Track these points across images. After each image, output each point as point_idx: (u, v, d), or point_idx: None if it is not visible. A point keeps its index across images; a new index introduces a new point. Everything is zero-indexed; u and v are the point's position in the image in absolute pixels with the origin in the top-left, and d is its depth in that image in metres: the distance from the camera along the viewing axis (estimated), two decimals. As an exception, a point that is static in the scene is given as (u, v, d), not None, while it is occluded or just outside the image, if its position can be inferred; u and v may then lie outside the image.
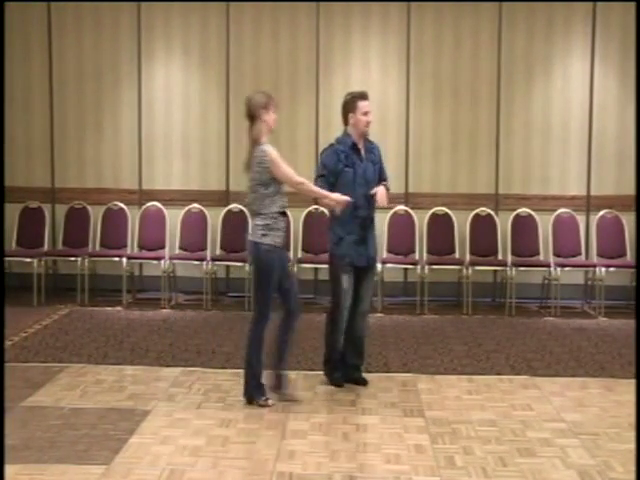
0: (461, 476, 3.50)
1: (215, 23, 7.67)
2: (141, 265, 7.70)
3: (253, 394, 4.39)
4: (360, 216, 4.64)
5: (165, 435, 3.95)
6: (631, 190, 7.46)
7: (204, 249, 7.39)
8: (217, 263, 7.37)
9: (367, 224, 4.68)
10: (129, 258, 7.27)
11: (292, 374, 5.02)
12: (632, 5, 7.31)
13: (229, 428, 4.06)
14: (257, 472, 3.53)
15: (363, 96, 4.66)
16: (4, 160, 7.42)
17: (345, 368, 4.79)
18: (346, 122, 4.70)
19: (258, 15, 7.63)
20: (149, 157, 7.81)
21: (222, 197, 7.73)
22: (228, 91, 7.72)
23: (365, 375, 4.91)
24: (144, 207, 7.62)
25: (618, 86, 7.51)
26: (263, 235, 4.35)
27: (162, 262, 7.24)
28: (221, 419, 4.19)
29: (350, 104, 4.65)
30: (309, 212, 7.48)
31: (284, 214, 4.44)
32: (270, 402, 4.38)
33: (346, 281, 4.63)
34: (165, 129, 7.78)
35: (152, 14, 7.69)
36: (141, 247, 7.51)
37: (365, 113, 4.61)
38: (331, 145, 4.75)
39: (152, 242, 7.48)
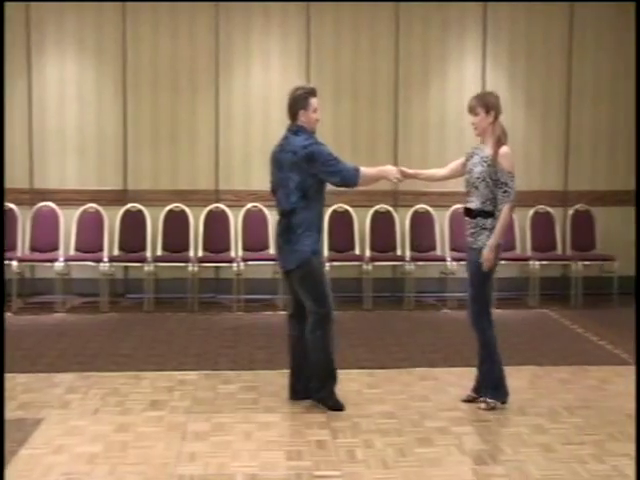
0: (362, 469, 3.55)
1: (111, 19, 7.44)
2: (33, 268, 7.39)
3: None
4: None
5: (59, 444, 3.80)
6: (520, 186, 7.75)
7: (101, 250, 7.17)
8: (115, 264, 7.17)
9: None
10: (20, 261, 6.96)
11: (194, 374, 4.97)
12: (520, 10, 7.65)
13: (127, 433, 3.96)
14: (157, 476, 3.46)
15: (314, 93, 4.34)
16: (4, 160, 7.08)
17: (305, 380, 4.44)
18: (293, 118, 4.34)
19: (156, 12, 7.47)
20: (41, 155, 7.50)
21: (120, 196, 7.53)
22: (125, 88, 7.52)
23: (268, 372, 4.90)
24: (36, 207, 7.31)
25: (507, 87, 7.82)
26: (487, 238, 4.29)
27: (56, 264, 6.98)
28: (119, 424, 4.08)
29: (302, 100, 4.30)
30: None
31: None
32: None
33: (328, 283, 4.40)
34: (58, 126, 7.49)
35: (43, 8, 7.37)
36: (33, 249, 7.20)
37: (315, 110, 4.34)
38: (309, 137, 4.32)
39: (45, 244, 7.19)
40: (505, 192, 4.25)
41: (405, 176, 4.45)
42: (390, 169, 4.52)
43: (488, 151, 4.33)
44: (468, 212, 4.40)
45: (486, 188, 4.28)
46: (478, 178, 4.30)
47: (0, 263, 6.72)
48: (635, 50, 7.02)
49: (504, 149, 4.31)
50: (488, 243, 4.24)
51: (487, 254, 4.23)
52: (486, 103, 4.35)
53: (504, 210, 4.26)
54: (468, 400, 4.44)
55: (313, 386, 4.39)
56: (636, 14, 6.98)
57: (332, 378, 4.38)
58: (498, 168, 4.26)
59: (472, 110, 4.37)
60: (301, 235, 4.30)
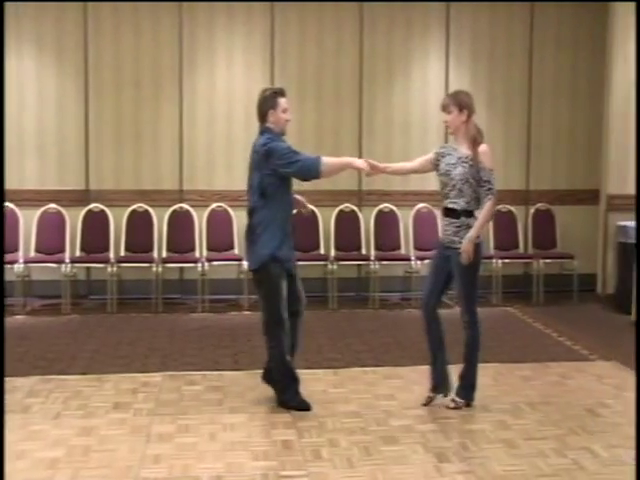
0: (327, 468, 3.56)
1: (71, 16, 7.34)
2: (-8, 269, 7.24)
3: None
4: (291, 216, 4.43)
5: (20, 449, 3.73)
6: (498, 186, 7.87)
7: (63, 251, 7.06)
8: (77, 265, 7.07)
9: (293, 224, 4.45)
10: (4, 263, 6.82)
11: (158, 376, 4.93)
12: (482, 10, 7.74)
13: (90, 436, 3.91)
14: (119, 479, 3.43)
15: (283, 93, 4.33)
16: (4, 160, 6.94)
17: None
18: (263, 119, 4.32)
19: (118, 11, 7.38)
20: (-1, 155, 7.35)
21: (82, 197, 7.42)
22: (87, 86, 7.41)
23: (233, 373, 4.88)
24: (-5, 208, 7.17)
25: (470, 87, 7.86)
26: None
27: (16, 266, 6.85)
28: (81, 427, 4.02)
29: (270, 100, 4.30)
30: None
31: None
32: None
33: (285, 289, 4.32)
34: (17, 125, 7.35)
35: (-1, 3, 7.24)
36: (-8, 250, 7.06)
37: (285, 110, 4.32)
38: (271, 137, 4.28)
39: (4, 245, 7.04)
40: (489, 189, 4.29)
41: (373, 169, 4.40)
42: (356, 159, 4.49)
43: (465, 151, 4.34)
44: (450, 212, 4.36)
45: (469, 188, 4.30)
46: (461, 180, 4.29)
47: (0, 263, 6.57)
48: (635, 50, 7.09)
49: (483, 147, 4.34)
50: (467, 236, 4.26)
51: (466, 246, 4.24)
52: (459, 101, 4.36)
53: (487, 205, 4.29)
54: (428, 403, 4.42)
55: (275, 389, 4.42)
56: (636, 14, 7.07)
57: (293, 380, 4.38)
58: (480, 167, 4.28)
59: (445, 108, 4.39)
60: (260, 235, 4.29)
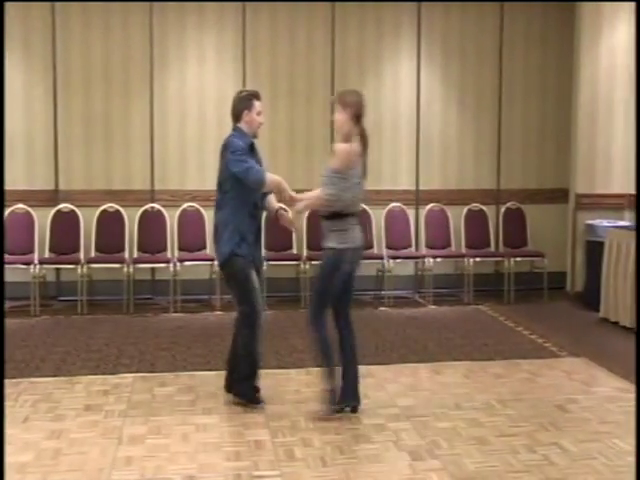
0: (301, 468, 3.56)
1: (39, 15, 7.23)
2: (-41, 271, 7.12)
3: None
4: (257, 216, 4.43)
5: (-12, 453, 3.67)
6: (454, 184, 7.97)
7: (31, 252, 6.97)
8: (46, 266, 6.97)
9: (259, 224, 4.47)
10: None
11: (129, 377, 4.88)
12: (453, 9, 7.79)
13: (60, 439, 3.86)
14: (91, 483, 3.39)
15: (257, 95, 4.40)
16: (4, 161, 6.83)
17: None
18: (237, 120, 4.37)
19: (87, 9, 7.30)
20: (-34, 154, 7.23)
21: (50, 197, 7.33)
22: (55, 85, 7.32)
23: (206, 374, 4.85)
24: (-39, 208, 7.05)
25: (441, 86, 7.97)
26: None
27: (-17, 267, 6.74)
28: (51, 431, 3.97)
29: (245, 101, 4.35)
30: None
31: None
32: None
33: (255, 280, 4.33)
34: (-16, 124, 7.24)
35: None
36: (-41, 251, 6.94)
37: (259, 113, 4.36)
38: (236, 133, 4.35)
39: (-29, 246, 6.93)
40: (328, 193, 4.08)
41: (291, 199, 4.33)
42: (285, 187, 4.33)
43: None
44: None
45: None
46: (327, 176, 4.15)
47: (0, 263, 6.45)
48: (635, 50, 7.16)
49: (340, 146, 4.12)
50: (301, 204, 4.25)
51: (301, 203, 4.24)
52: (343, 100, 4.18)
53: (317, 193, 4.16)
54: (341, 410, 4.22)
55: (234, 377, 4.43)
56: (636, 14, 7.14)
57: (255, 374, 4.40)
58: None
59: (332, 106, 4.36)
60: (222, 233, 4.33)
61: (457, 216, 7.76)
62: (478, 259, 7.54)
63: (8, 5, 7.14)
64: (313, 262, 7.26)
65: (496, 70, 7.99)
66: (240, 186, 4.28)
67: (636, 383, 4.71)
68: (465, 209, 7.82)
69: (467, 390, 4.71)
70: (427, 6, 7.81)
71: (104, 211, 7.24)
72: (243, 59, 7.58)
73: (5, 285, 7.01)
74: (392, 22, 7.80)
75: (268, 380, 4.83)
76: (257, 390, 4.44)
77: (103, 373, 4.99)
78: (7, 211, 7.07)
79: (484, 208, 7.88)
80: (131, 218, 7.25)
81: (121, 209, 7.26)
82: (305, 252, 7.38)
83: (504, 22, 7.96)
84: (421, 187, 7.95)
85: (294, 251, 7.39)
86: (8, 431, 3.95)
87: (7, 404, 4.36)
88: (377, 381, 4.88)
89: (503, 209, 7.94)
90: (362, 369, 5.12)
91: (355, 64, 7.78)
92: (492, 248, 7.82)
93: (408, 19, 7.81)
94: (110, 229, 7.19)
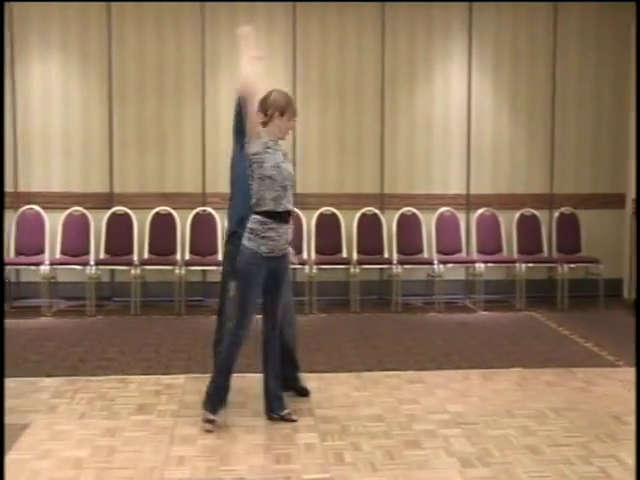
0: (350, 472, 3.55)
1: (95, 19, 7.42)
2: (18, 271, 7.33)
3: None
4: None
5: (45, 449, 3.77)
6: (506, 189, 7.87)
7: (87, 253, 7.14)
8: (101, 267, 7.13)
9: None
10: (5, 264, 6.90)
11: (181, 377, 4.96)
12: (505, 11, 7.70)
13: (114, 437, 3.94)
14: (144, 481, 3.45)
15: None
16: (4, 162, 7.04)
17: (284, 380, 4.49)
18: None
19: (141, 12, 7.46)
20: (26, 158, 7.45)
21: (106, 199, 7.49)
22: (111, 89, 7.49)
23: (256, 375, 4.89)
24: (21, 210, 7.27)
25: (492, 91, 7.87)
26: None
27: (42, 268, 6.93)
28: (106, 428, 4.05)
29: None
30: (197, 213, 7.35)
31: None
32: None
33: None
34: (43, 128, 7.45)
35: (26, 8, 7.34)
36: (18, 252, 7.16)
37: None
38: None
39: (30, 247, 7.14)
40: None
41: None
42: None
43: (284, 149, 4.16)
44: (287, 216, 4.05)
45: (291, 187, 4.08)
46: (292, 175, 4.09)
47: (0, 263, 6.64)
48: (635, 50, 7.03)
49: None
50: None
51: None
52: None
53: None
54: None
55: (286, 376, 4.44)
56: (636, 14, 6.99)
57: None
58: None
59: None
60: None
61: (509, 221, 7.66)
62: (530, 265, 7.42)
63: (68, 17, 7.35)
64: (363, 266, 7.27)
65: (549, 72, 7.85)
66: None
67: (636, 382, 4.61)
68: (517, 214, 7.71)
69: (519, 398, 4.63)
70: (478, 7, 7.72)
71: (157, 214, 7.37)
72: (293, 64, 7.63)
73: (62, 285, 7.22)
74: (442, 24, 7.74)
75: (318, 383, 4.86)
76: (305, 391, 4.47)
77: (155, 373, 5.07)
78: (65, 213, 7.26)
79: (536, 213, 7.75)
80: (183, 220, 7.36)
81: (173, 212, 7.38)
82: (355, 256, 7.37)
83: (557, 23, 7.82)
84: (472, 191, 7.87)
85: (344, 255, 7.39)
86: (65, 427, 4.06)
87: (63, 401, 4.48)
88: (427, 387, 4.84)
89: (557, 214, 7.80)
90: (411, 374, 5.12)
91: (405, 67, 7.75)
92: (545, 254, 7.69)
93: (459, 22, 7.75)
94: (162, 231, 7.31)
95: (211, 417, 4.07)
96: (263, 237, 4.01)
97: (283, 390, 4.39)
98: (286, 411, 4.20)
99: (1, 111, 7.19)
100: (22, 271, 7.32)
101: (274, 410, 4.20)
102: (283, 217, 4.04)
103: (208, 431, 4.01)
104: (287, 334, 4.54)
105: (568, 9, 7.79)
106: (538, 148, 7.91)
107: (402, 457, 3.72)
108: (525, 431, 4.07)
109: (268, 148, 4.04)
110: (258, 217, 4.02)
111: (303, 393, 4.60)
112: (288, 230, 4.09)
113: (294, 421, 4.15)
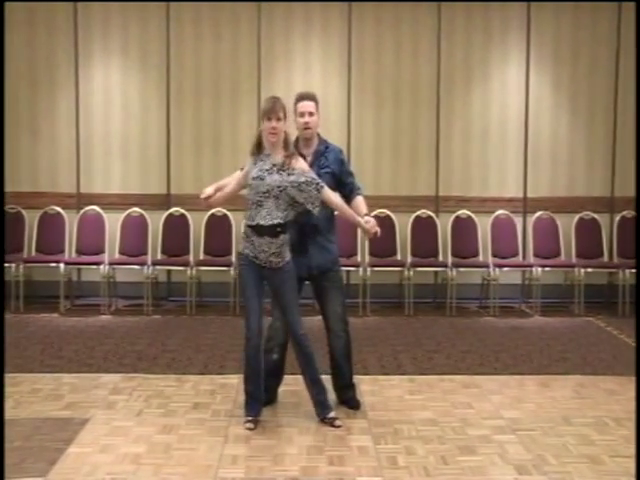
0: (403, 475, 3.53)
1: (155, 23, 7.58)
2: (79, 270, 7.53)
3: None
4: (299, 222, 4.24)
5: (104, 444, 3.86)
6: (564, 192, 7.70)
7: (145, 253, 7.28)
8: (158, 267, 7.26)
9: (307, 231, 4.31)
10: (67, 264, 7.10)
11: (235, 378, 5.00)
12: (565, 10, 7.54)
13: (170, 435, 4.00)
14: (199, 478, 3.49)
15: (301, 97, 4.38)
16: (4, 162, 7.25)
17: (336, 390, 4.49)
18: None
19: (198, 16, 7.58)
20: (87, 160, 7.65)
21: (163, 201, 7.63)
22: (168, 93, 7.63)
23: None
24: (82, 211, 7.46)
25: (551, 93, 7.72)
26: None
27: (101, 267, 7.10)
28: (162, 425, 4.13)
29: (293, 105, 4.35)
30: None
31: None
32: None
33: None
34: (104, 132, 7.64)
35: (89, 13, 7.54)
36: (79, 252, 7.35)
37: (301, 114, 4.30)
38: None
39: (91, 247, 7.33)
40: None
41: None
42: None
43: (280, 159, 4.07)
44: (263, 230, 4.02)
45: (287, 196, 4.04)
46: (279, 187, 4.02)
47: (0, 263, 6.78)
48: (635, 50, 6.84)
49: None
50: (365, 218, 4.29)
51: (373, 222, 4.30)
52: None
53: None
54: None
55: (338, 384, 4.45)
56: (636, 14, 6.82)
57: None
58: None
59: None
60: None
61: (567, 224, 7.49)
62: (590, 269, 7.25)
63: (128, 21, 7.52)
64: (417, 269, 7.22)
65: (612, 73, 7.66)
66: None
67: (636, 383, 4.50)
68: (576, 217, 7.54)
69: (577, 405, 4.53)
70: (537, 6, 7.59)
71: (212, 215, 7.47)
72: (348, 65, 7.63)
73: (121, 284, 7.38)
74: (500, 24, 7.63)
75: (372, 386, 4.84)
76: (356, 402, 4.42)
77: (210, 373, 5.14)
78: (124, 214, 7.42)
79: (596, 216, 7.56)
80: (238, 222, 7.41)
81: (228, 213, 7.46)
82: (409, 258, 7.33)
83: (621, 23, 7.62)
84: (529, 194, 7.73)
85: (398, 257, 7.36)
86: (123, 423, 4.15)
87: (122, 398, 4.58)
88: (481, 392, 4.78)
89: (618, 218, 7.59)
90: (465, 378, 5.06)
91: (461, 69, 7.67)
92: (605, 258, 7.49)
93: (517, 22, 7.62)
94: (218, 232, 7.40)
95: (247, 418, 4.13)
96: (247, 242, 4.14)
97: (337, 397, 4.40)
98: (331, 415, 4.17)
99: (1, 111, 7.33)
100: (83, 270, 7.51)
101: (317, 413, 4.21)
102: (257, 230, 4.05)
103: (249, 429, 4.06)
104: (335, 345, 4.48)
105: (631, 8, 7.57)
106: (599, 150, 7.72)
107: (456, 462, 3.68)
108: (584, 440, 3.97)
109: (261, 161, 4.13)
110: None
111: (351, 405, 4.46)
112: (265, 244, 4.04)
113: (337, 426, 4.12)
